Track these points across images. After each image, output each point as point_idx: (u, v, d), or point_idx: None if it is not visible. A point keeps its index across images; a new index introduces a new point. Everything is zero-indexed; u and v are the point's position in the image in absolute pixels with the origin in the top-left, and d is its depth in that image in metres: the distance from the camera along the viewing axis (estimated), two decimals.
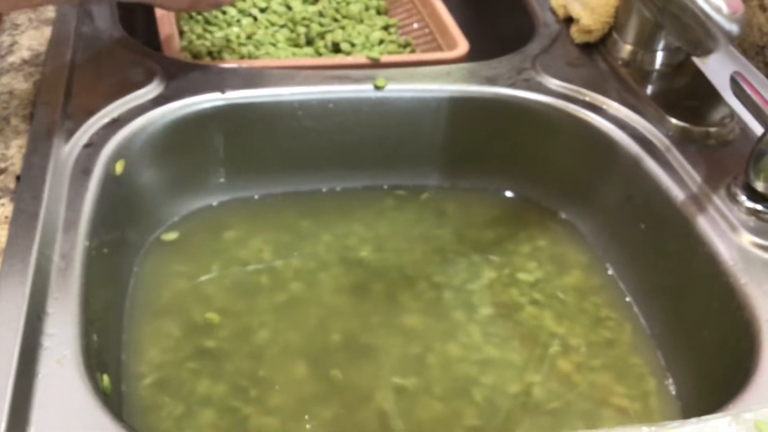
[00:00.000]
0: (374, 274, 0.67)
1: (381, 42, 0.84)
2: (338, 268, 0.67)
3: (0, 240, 0.51)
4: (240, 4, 0.88)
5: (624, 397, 0.58)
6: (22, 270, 0.49)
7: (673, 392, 0.58)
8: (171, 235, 0.66)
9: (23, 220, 0.53)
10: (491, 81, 0.72)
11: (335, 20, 0.86)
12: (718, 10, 0.61)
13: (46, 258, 0.51)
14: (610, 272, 0.66)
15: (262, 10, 0.88)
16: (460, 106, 0.71)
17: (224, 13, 0.91)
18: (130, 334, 0.58)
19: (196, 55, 0.82)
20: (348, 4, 0.88)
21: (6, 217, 0.53)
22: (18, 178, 0.56)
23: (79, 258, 0.52)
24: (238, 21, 0.88)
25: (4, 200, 0.55)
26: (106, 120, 0.62)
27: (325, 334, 0.60)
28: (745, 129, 0.66)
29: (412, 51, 0.84)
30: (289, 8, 0.88)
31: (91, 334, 0.49)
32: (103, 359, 0.51)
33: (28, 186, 0.55)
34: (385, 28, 0.87)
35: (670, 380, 0.59)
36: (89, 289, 0.51)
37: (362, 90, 0.70)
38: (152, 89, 0.66)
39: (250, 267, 0.65)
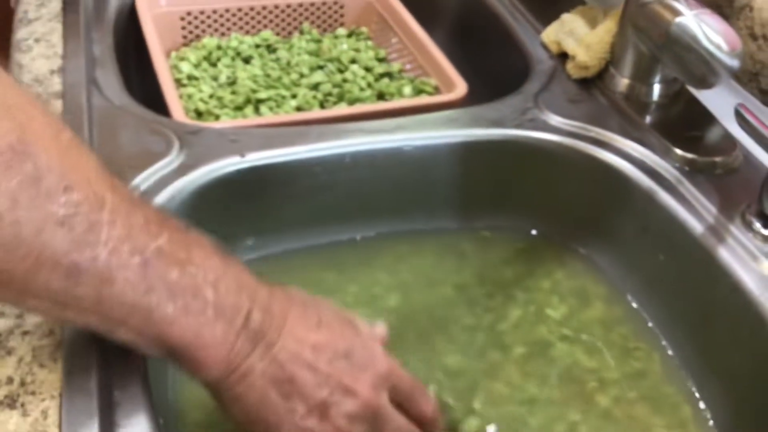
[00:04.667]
0: (405, 319, 0.68)
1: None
2: (369, 318, 0.68)
3: (56, 333, 0.52)
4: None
5: (663, 428, 0.60)
6: (85, 364, 0.49)
7: (710, 419, 0.61)
8: None
9: None
10: (498, 123, 0.74)
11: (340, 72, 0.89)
12: (719, 47, 0.64)
13: (105, 348, 0.51)
14: (632, 304, 0.69)
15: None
16: (471, 150, 0.73)
17: (215, 65, 0.92)
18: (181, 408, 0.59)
19: (200, 114, 0.83)
20: (353, 62, 0.91)
21: None
22: None
23: None
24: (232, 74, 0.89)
25: None
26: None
27: None
28: (748, 156, 0.69)
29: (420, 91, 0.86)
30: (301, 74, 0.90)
31: (158, 418, 0.50)
32: None
33: None
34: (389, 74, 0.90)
35: (705, 407, 0.61)
36: (145, 371, 0.52)
37: (377, 141, 0.71)
38: (173, 159, 0.66)
39: None
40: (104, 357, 0.50)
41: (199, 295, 0.44)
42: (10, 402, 0.48)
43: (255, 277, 0.49)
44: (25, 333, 0.52)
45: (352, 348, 0.49)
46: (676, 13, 0.65)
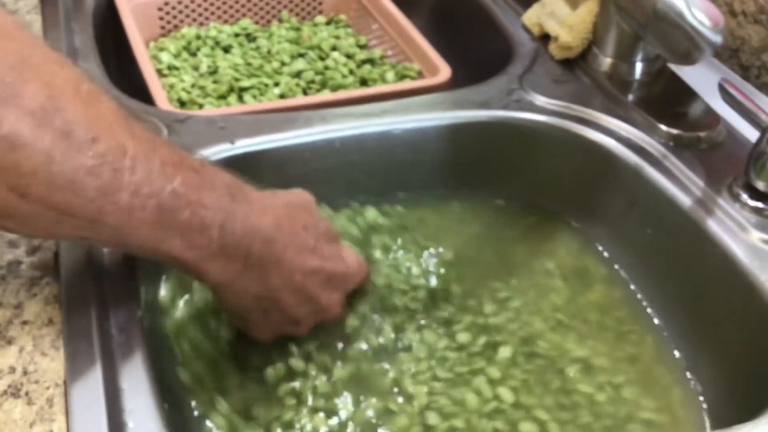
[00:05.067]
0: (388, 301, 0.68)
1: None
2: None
3: (56, 321, 0.51)
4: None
5: (652, 410, 0.60)
6: (88, 350, 0.49)
7: (702, 400, 0.61)
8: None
9: (73, 298, 0.53)
10: (484, 105, 0.74)
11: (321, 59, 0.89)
12: (702, 23, 0.64)
13: (107, 334, 0.51)
14: (622, 277, 0.70)
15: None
16: (458, 132, 0.74)
17: (194, 55, 0.92)
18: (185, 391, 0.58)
19: (183, 104, 0.83)
20: (334, 49, 0.91)
21: (55, 297, 0.53)
22: (56, 254, 0.56)
23: (136, 328, 0.52)
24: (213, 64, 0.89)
25: (48, 279, 0.54)
26: None
27: None
28: (731, 131, 0.70)
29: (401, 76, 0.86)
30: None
31: (162, 404, 0.50)
32: (177, 424, 0.51)
33: (68, 263, 0.55)
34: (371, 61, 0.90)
35: (696, 388, 0.62)
36: (150, 357, 0.52)
37: (365, 125, 0.72)
38: None
39: None
40: (106, 344, 0.50)
41: (205, 233, 0.48)
42: (14, 391, 0.47)
43: (261, 210, 0.52)
44: (25, 323, 0.51)
45: (334, 273, 0.57)
46: None
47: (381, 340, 0.63)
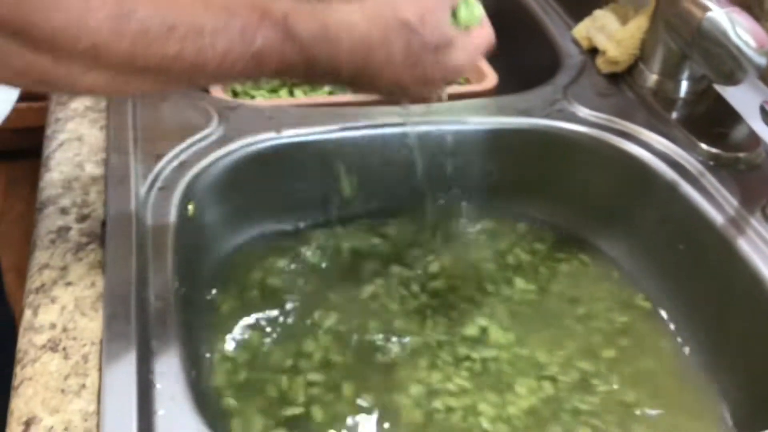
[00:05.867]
0: (425, 299, 0.70)
1: None
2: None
3: (98, 285, 0.54)
4: None
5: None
6: (125, 314, 0.52)
7: (726, 417, 0.62)
8: (237, 263, 0.69)
9: (116, 264, 0.55)
10: (527, 113, 0.76)
11: None
12: (747, 44, 0.65)
13: (144, 300, 0.54)
14: (647, 296, 0.70)
15: None
16: (499, 138, 0.75)
17: None
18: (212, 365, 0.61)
19: (236, 94, 0.85)
20: None
21: (99, 262, 0.56)
22: (103, 223, 0.59)
23: (171, 298, 0.55)
24: None
25: (94, 245, 0.57)
26: (175, 163, 0.65)
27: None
28: None
29: None
30: None
31: (190, 371, 0.52)
32: (202, 392, 0.54)
33: (114, 232, 0.58)
34: None
35: (722, 403, 0.62)
36: (182, 326, 0.54)
37: (407, 125, 0.73)
38: (212, 131, 0.69)
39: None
40: (143, 308, 0.53)
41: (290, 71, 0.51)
42: (53, 345, 0.50)
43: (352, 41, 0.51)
44: (69, 284, 0.54)
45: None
46: (707, 8, 0.67)
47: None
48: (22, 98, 0.70)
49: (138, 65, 0.45)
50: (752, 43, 0.65)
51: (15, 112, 0.72)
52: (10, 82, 0.46)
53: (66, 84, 0.45)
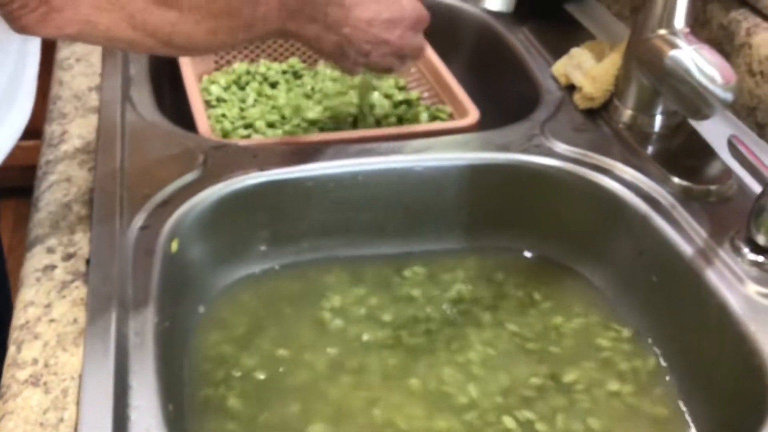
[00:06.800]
0: (398, 335, 0.71)
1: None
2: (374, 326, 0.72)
3: (80, 321, 0.56)
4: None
5: None
6: (104, 349, 0.54)
7: None
8: (221, 303, 0.71)
9: (98, 301, 0.58)
10: (505, 148, 0.78)
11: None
12: (713, 80, 0.67)
13: (123, 336, 0.56)
14: (626, 324, 0.72)
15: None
16: (478, 172, 0.77)
17: (243, 89, 0.97)
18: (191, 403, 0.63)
19: (226, 134, 0.88)
20: (375, 89, 0.95)
21: (81, 299, 0.58)
22: (88, 261, 0.61)
23: (150, 333, 0.57)
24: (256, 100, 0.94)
25: (78, 283, 0.60)
26: (159, 202, 0.68)
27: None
28: (742, 186, 0.72)
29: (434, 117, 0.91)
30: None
31: (167, 405, 0.54)
32: (178, 426, 0.56)
33: (98, 269, 0.60)
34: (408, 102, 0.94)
35: (694, 426, 0.64)
36: (161, 361, 0.56)
37: (389, 161, 0.76)
38: (197, 171, 0.71)
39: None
40: (122, 345, 0.55)
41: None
42: (34, 381, 0.52)
43: None
44: (52, 320, 0.57)
45: (394, 13, 0.73)
46: (674, 46, 0.69)
47: None
48: (27, 136, 0.74)
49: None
50: (718, 79, 0.67)
51: (22, 150, 0.76)
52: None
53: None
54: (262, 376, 0.66)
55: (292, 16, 0.68)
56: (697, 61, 0.66)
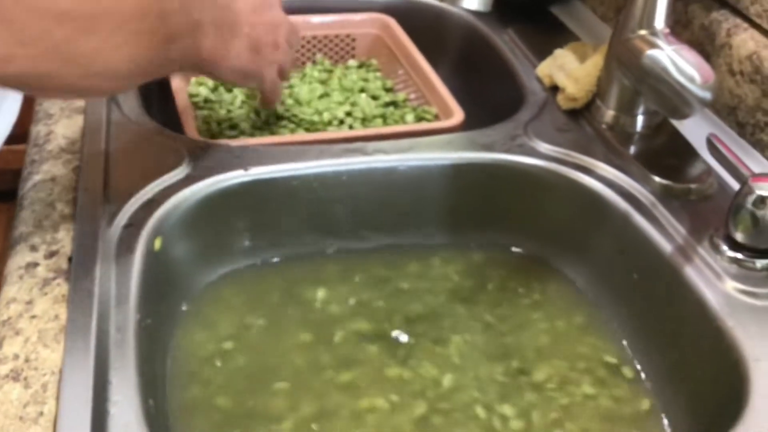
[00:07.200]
0: (384, 331, 0.72)
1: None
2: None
3: (61, 318, 0.57)
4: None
5: None
6: (84, 345, 0.55)
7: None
8: (205, 300, 0.71)
9: (80, 298, 0.58)
10: (488, 148, 0.79)
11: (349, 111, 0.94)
12: (692, 80, 0.68)
13: (104, 332, 0.56)
14: (606, 320, 0.72)
15: None
16: (461, 172, 0.78)
17: (230, 91, 0.98)
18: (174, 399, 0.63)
19: (213, 135, 0.89)
20: (362, 91, 0.96)
21: (63, 296, 0.59)
22: (70, 259, 0.61)
23: (131, 330, 0.57)
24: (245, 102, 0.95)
25: (60, 280, 0.60)
26: (144, 202, 0.68)
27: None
28: (722, 184, 0.73)
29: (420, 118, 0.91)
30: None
31: (147, 400, 0.54)
32: (159, 422, 0.56)
33: (80, 266, 0.61)
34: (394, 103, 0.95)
35: (665, 420, 0.64)
36: (142, 358, 0.57)
37: (373, 161, 0.76)
38: (182, 170, 0.72)
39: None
40: (102, 341, 0.55)
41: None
42: (15, 375, 0.53)
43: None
44: (33, 317, 0.57)
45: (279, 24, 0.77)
46: (652, 45, 0.70)
47: None
48: (19, 140, 0.74)
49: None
50: (697, 78, 0.68)
51: (15, 154, 0.76)
52: None
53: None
54: (245, 372, 0.66)
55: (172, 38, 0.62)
56: (675, 60, 0.67)
